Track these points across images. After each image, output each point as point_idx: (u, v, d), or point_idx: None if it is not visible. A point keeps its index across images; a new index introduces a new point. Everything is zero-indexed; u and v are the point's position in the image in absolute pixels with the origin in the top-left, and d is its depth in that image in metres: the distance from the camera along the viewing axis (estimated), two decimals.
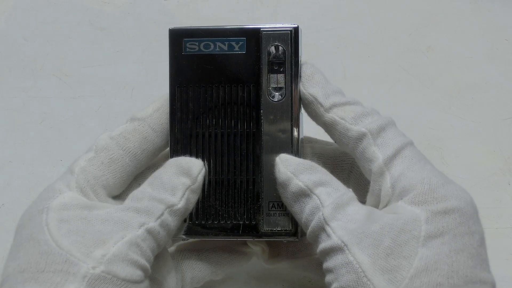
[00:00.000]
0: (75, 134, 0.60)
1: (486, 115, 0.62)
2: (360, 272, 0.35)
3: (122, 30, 0.67)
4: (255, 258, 0.46)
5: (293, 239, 0.42)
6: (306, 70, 0.42)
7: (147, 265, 0.38)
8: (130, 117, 0.43)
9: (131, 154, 0.42)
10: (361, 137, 0.40)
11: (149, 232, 0.38)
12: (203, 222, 0.42)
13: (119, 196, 0.43)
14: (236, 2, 0.69)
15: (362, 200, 0.41)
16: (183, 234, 0.42)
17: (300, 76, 0.42)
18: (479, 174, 0.58)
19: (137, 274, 0.37)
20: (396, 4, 0.68)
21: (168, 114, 0.43)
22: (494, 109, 0.62)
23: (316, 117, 0.42)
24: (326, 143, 0.45)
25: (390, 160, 0.39)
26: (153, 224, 0.38)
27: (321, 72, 0.42)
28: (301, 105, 0.42)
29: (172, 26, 0.43)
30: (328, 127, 0.41)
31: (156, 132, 0.43)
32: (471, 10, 0.68)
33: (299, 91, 0.42)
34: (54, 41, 0.66)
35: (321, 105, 0.41)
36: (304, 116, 0.43)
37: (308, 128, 0.44)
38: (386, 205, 0.39)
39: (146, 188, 0.40)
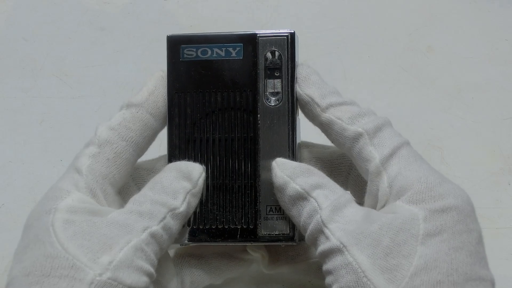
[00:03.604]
0: (75, 134, 0.60)
1: (486, 115, 0.62)
2: (360, 272, 0.35)
3: (122, 30, 0.67)
4: (255, 265, 0.46)
5: (291, 243, 0.42)
6: (302, 71, 0.42)
7: (152, 270, 0.37)
8: (126, 103, 0.42)
9: (134, 143, 0.41)
10: (357, 137, 0.40)
11: (153, 236, 0.38)
12: (200, 227, 0.42)
13: (122, 191, 0.43)
14: (236, 2, 0.69)
15: (361, 202, 0.41)
16: (182, 240, 0.42)
17: (296, 77, 0.42)
18: (479, 174, 0.58)
19: (143, 280, 0.36)
20: (396, 4, 0.68)
21: (163, 95, 0.42)
22: (494, 109, 0.62)
23: (312, 117, 0.42)
24: (324, 146, 0.45)
25: (386, 159, 0.39)
26: (156, 227, 0.38)
27: (317, 73, 0.42)
28: (299, 109, 0.42)
29: (171, 29, 0.43)
30: (325, 127, 0.41)
31: (155, 116, 0.42)
32: (471, 10, 0.68)
33: (296, 92, 0.42)
34: (54, 41, 0.66)
35: (318, 105, 0.41)
36: (301, 122, 0.43)
37: (306, 133, 0.44)
38: (384, 205, 0.39)
39: (147, 192, 0.40)
